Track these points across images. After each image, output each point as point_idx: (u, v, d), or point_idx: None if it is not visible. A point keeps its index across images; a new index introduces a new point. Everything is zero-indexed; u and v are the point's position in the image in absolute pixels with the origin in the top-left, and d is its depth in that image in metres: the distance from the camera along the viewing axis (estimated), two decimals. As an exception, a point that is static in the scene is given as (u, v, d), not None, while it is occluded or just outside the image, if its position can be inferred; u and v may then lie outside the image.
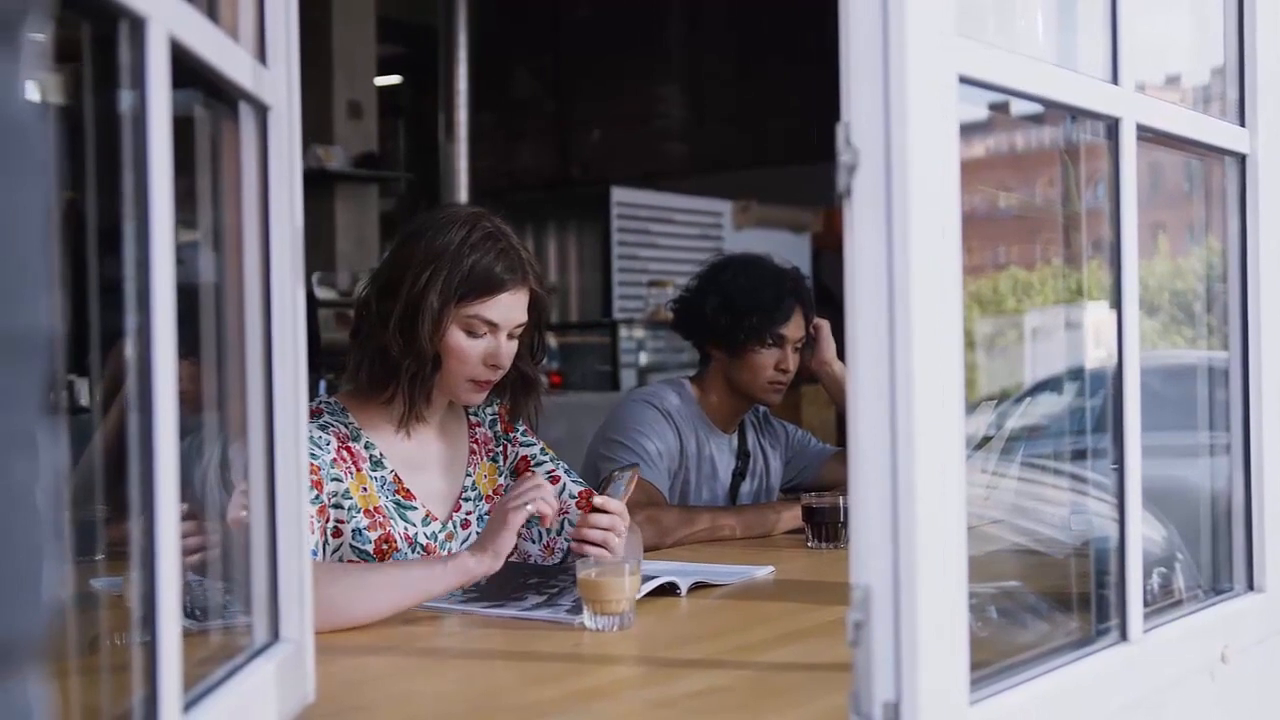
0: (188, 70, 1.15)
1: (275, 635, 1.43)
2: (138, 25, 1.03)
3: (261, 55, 1.41)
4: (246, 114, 1.39)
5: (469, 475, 2.44)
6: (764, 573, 2.46)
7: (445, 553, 2.32)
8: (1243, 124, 1.90)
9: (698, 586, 2.29)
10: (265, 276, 1.41)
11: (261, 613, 1.42)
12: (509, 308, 2.29)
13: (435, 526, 2.34)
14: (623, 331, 7.92)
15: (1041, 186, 2.09)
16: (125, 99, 1.05)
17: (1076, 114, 1.64)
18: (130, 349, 1.05)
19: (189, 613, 1.28)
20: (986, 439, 2.32)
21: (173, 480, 1.05)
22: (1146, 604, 1.63)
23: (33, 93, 0.62)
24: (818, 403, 6.70)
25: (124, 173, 1.05)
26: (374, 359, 2.29)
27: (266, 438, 1.42)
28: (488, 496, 2.44)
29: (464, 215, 2.32)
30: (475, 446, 2.47)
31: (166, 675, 1.04)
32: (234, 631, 1.45)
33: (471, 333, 2.27)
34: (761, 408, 3.31)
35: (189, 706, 1.14)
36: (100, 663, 1.28)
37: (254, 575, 1.42)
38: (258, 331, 1.41)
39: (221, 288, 1.42)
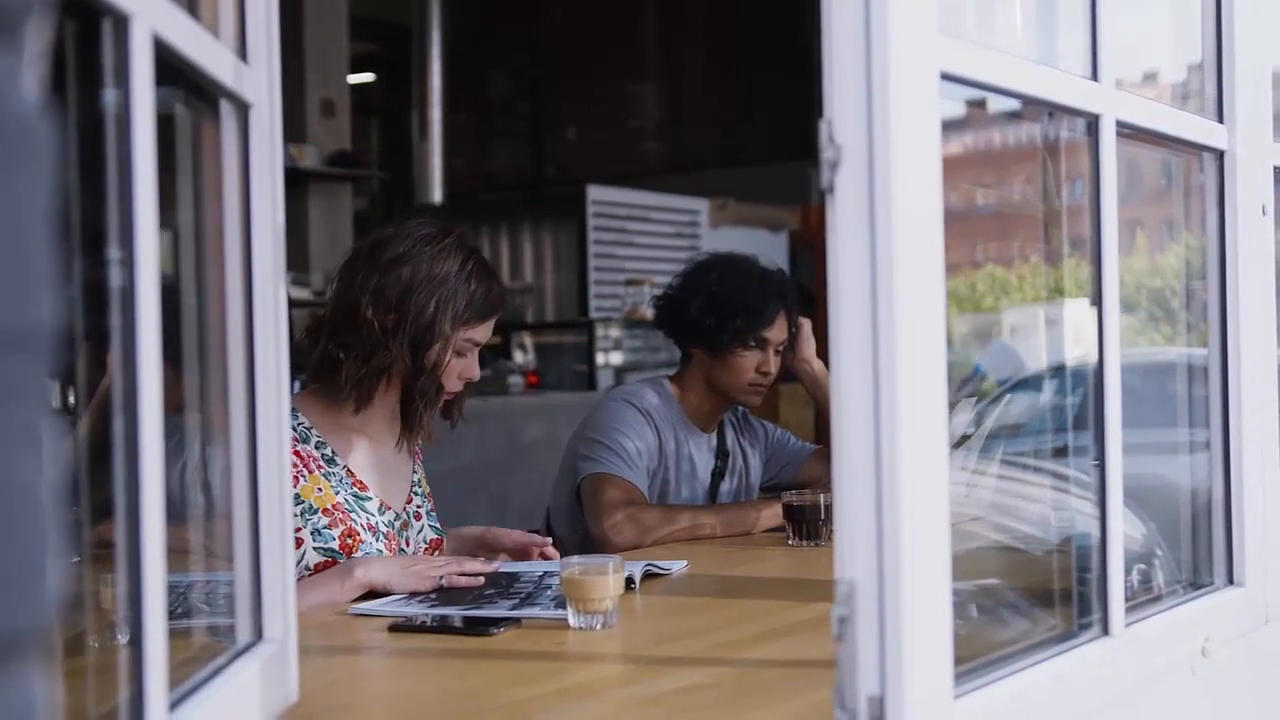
0: (169, 68, 1.15)
1: (259, 635, 1.42)
2: (121, 23, 1.02)
3: (242, 53, 1.40)
4: (227, 112, 1.39)
5: (415, 473, 2.57)
6: (679, 567, 2.48)
7: (402, 541, 2.46)
8: (1221, 120, 1.91)
9: (649, 576, 2.35)
10: (247, 276, 1.41)
11: (245, 613, 1.41)
12: (492, 328, 2.48)
13: (390, 516, 2.45)
14: (599, 331, 7.91)
15: (1019, 184, 2.10)
16: (108, 96, 1.04)
17: (1057, 110, 1.64)
18: (113, 350, 1.05)
19: (170, 613, 1.28)
20: (965, 437, 2.33)
21: (157, 481, 1.05)
22: (1127, 599, 1.64)
23: (34, 91, 0.62)
24: (795, 401, 6.72)
25: (107, 170, 1.04)
26: (375, 375, 2.37)
27: (249, 438, 1.42)
28: (428, 495, 2.60)
29: (452, 241, 2.42)
30: (416, 449, 2.60)
31: (152, 675, 1.04)
32: (216, 631, 1.45)
33: (459, 353, 2.42)
34: (741, 407, 3.31)
35: (174, 706, 1.13)
36: (81, 664, 1.27)
37: (238, 575, 1.42)
38: (239, 332, 1.41)
39: (202, 287, 1.41)
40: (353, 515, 2.36)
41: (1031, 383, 2.51)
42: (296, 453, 2.32)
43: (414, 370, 2.37)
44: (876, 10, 1.21)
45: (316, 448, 2.38)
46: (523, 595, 2.15)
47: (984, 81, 1.42)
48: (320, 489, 2.35)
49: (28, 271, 0.60)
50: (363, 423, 2.44)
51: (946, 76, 1.31)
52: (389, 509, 2.45)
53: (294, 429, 2.35)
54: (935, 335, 1.27)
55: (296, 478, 2.29)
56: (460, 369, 2.43)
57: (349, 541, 2.33)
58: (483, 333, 2.44)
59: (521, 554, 2.53)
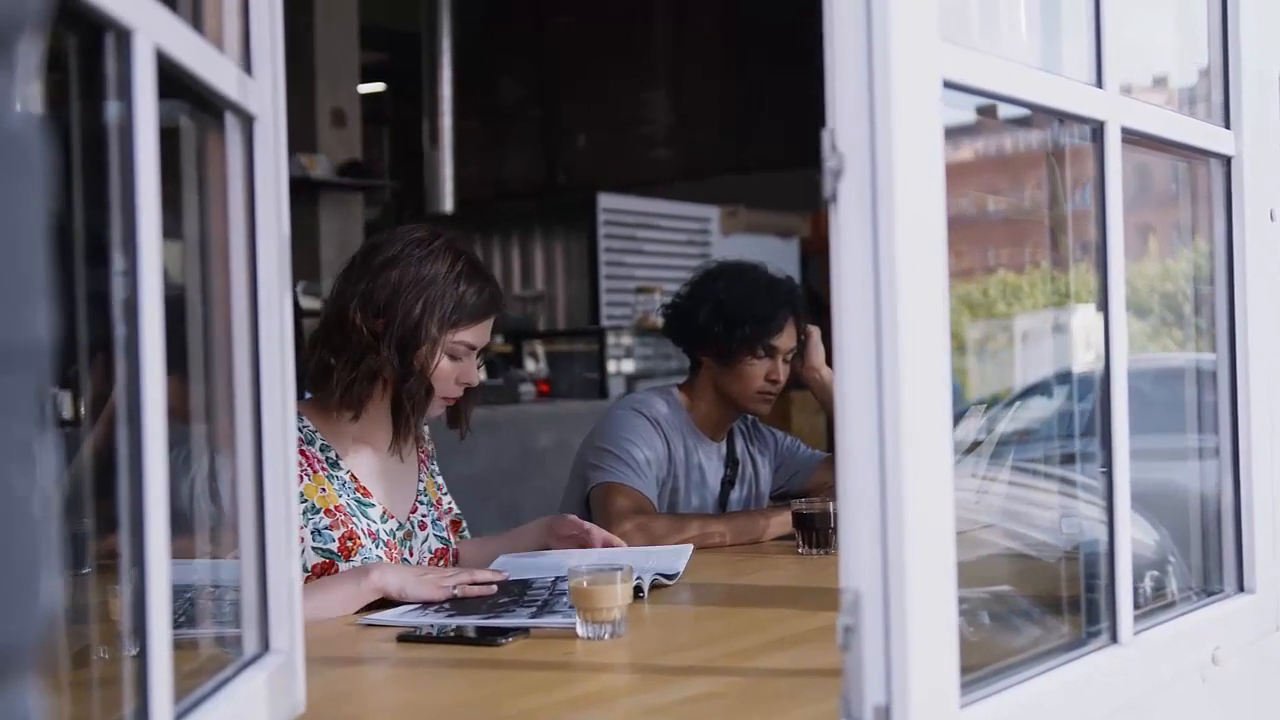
0: (173, 81, 1.15)
1: (265, 646, 1.43)
2: (124, 36, 1.02)
3: (247, 65, 1.40)
4: (232, 124, 1.39)
5: (420, 481, 2.57)
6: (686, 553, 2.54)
7: (405, 551, 2.46)
8: (1228, 126, 1.91)
9: (656, 586, 2.35)
10: (252, 287, 1.41)
11: (252, 623, 1.41)
12: (488, 332, 2.46)
13: (393, 525, 2.45)
14: (610, 339, 7.90)
15: (1030, 190, 2.10)
16: (111, 110, 1.04)
17: (1061, 117, 1.64)
18: (118, 361, 1.05)
19: (176, 623, 1.28)
20: (976, 443, 2.33)
21: (162, 493, 1.05)
22: (1138, 607, 1.63)
23: (29, 105, 0.63)
24: (807, 409, 6.70)
25: (110, 183, 1.05)
26: (365, 380, 2.37)
27: (255, 449, 1.42)
28: (435, 503, 2.59)
29: (442, 244, 2.42)
30: (422, 457, 2.60)
31: (158, 687, 1.04)
32: (223, 641, 1.45)
33: (453, 356, 2.41)
34: (750, 415, 3.30)
35: (180, 717, 1.13)
36: (89, 675, 1.27)
37: (244, 586, 1.42)
38: (245, 343, 1.41)
39: (207, 299, 1.42)
40: (354, 519, 2.37)
41: (1043, 389, 2.50)
42: (302, 453, 2.34)
43: (402, 373, 2.37)
44: (878, 17, 1.21)
45: (321, 450, 2.39)
46: (539, 603, 2.15)
47: (987, 89, 1.41)
48: (324, 489, 2.35)
49: (22, 287, 0.60)
50: (363, 431, 2.44)
51: (949, 84, 1.30)
52: (392, 518, 2.45)
53: (300, 431, 2.36)
54: (938, 343, 1.27)
55: (300, 476, 2.30)
56: (456, 373, 2.42)
57: (348, 545, 2.34)
58: (475, 335, 2.42)
59: (582, 544, 2.56)
